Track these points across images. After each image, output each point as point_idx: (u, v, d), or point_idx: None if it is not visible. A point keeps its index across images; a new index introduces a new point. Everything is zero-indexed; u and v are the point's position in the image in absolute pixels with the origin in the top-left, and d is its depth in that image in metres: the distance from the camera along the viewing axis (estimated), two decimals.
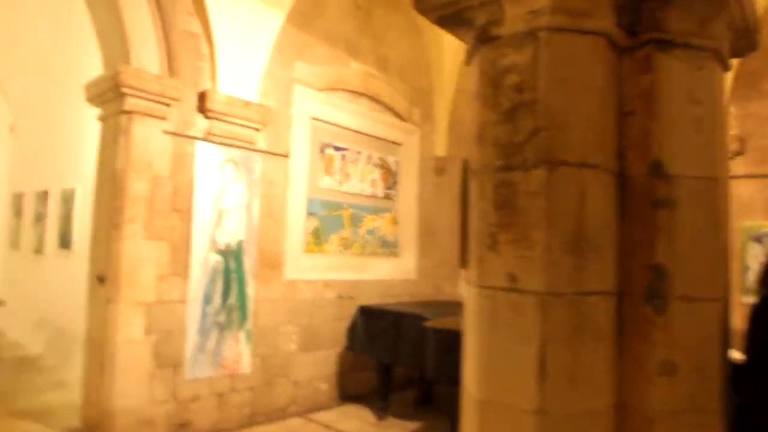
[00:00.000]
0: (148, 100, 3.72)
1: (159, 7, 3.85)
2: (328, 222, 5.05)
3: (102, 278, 3.79)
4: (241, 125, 4.22)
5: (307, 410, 4.75)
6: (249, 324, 4.35)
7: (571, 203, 1.90)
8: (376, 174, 5.50)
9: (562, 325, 1.88)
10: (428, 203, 5.99)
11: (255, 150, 4.35)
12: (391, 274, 5.57)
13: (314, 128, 4.87)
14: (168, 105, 3.83)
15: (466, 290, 2.27)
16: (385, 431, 4.43)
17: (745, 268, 4.85)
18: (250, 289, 4.35)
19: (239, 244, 4.28)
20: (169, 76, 3.83)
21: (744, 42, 2.23)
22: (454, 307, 5.06)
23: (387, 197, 5.62)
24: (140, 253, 3.77)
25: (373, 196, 5.48)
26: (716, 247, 1.95)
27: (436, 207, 6.07)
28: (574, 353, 1.87)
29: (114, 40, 3.84)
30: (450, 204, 6.07)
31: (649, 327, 1.92)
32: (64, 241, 6.30)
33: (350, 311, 5.09)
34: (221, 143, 4.13)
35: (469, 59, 2.31)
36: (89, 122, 5.83)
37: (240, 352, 4.31)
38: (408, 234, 5.78)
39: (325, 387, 4.97)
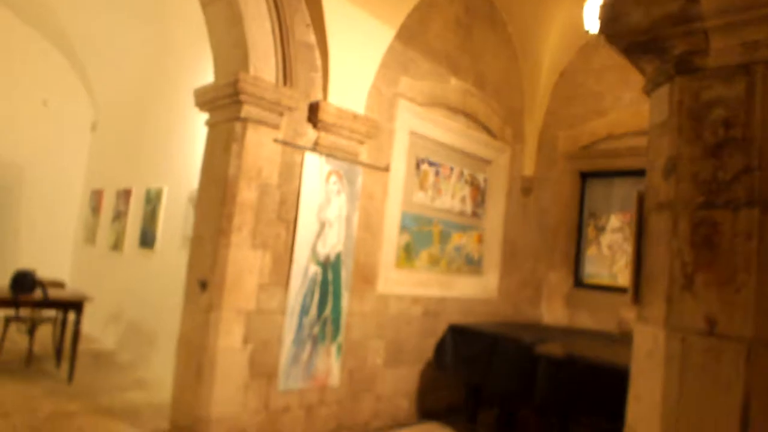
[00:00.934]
0: (264, 108, 3.74)
1: (279, 17, 3.88)
2: (419, 237, 5.00)
3: (204, 284, 3.81)
4: (348, 137, 4.22)
5: (388, 426, 4.69)
6: (341, 337, 4.31)
7: None
8: (466, 191, 5.44)
9: (764, 375, 1.78)
10: (512, 223, 5.89)
11: (358, 163, 4.34)
12: (473, 292, 5.49)
13: (412, 143, 4.85)
14: (281, 114, 3.85)
15: (639, 328, 2.17)
16: None
17: None
18: (345, 302, 4.32)
19: (338, 256, 4.26)
20: (284, 85, 3.85)
21: None
22: (550, 332, 4.95)
23: (474, 215, 5.55)
24: (245, 261, 3.77)
25: (462, 213, 5.42)
26: None
27: (520, 227, 5.96)
28: None
29: (231, 49, 3.89)
30: (535, 225, 5.95)
31: None
32: (145, 240, 6.42)
33: (434, 328, 5.03)
34: (328, 154, 4.13)
35: (653, 88, 2.22)
36: (180, 124, 5.98)
37: (331, 365, 4.27)
38: (492, 253, 5.69)
39: (406, 403, 4.90)
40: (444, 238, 5.23)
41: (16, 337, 6.01)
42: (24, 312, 5.50)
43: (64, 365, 5.31)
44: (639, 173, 5.24)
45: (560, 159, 5.79)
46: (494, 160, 5.69)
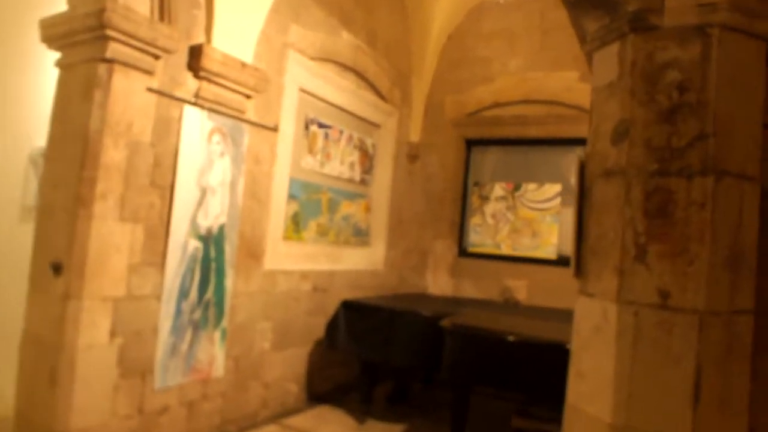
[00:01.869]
0: (136, 48, 3.00)
1: None
2: (308, 206, 4.59)
3: (58, 267, 3.03)
4: (233, 90, 3.62)
5: (277, 414, 4.30)
6: (225, 321, 3.81)
7: (732, 217, 1.80)
8: (355, 156, 5.10)
9: (716, 346, 1.78)
10: (399, 191, 5.72)
11: (245, 120, 3.77)
12: (362, 264, 5.24)
13: (302, 101, 4.36)
14: (157, 57, 3.14)
15: (583, 302, 2.09)
16: None
17: None
18: (229, 282, 3.80)
19: (221, 229, 3.71)
20: (160, 21, 3.14)
21: None
22: (441, 302, 4.91)
23: (363, 182, 5.25)
24: (111, 237, 3.07)
25: (351, 181, 5.09)
26: None
27: (407, 195, 5.82)
28: (725, 376, 1.78)
29: None
30: (421, 193, 5.86)
31: None
32: None
33: (323, 304, 4.70)
34: (210, 109, 3.51)
35: (598, 47, 2.10)
36: (17, 63, 4.75)
37: (215, 354, 3.76)
38: (379, 223, 5.48)
39: (295, 388, 4.55)
40: (333, 206, 4.88)
41: None
42: None
43: None
44: (524, 142, 5.41)
45: (447, 125, 5.72)
46: (383, 124, 5.41)
